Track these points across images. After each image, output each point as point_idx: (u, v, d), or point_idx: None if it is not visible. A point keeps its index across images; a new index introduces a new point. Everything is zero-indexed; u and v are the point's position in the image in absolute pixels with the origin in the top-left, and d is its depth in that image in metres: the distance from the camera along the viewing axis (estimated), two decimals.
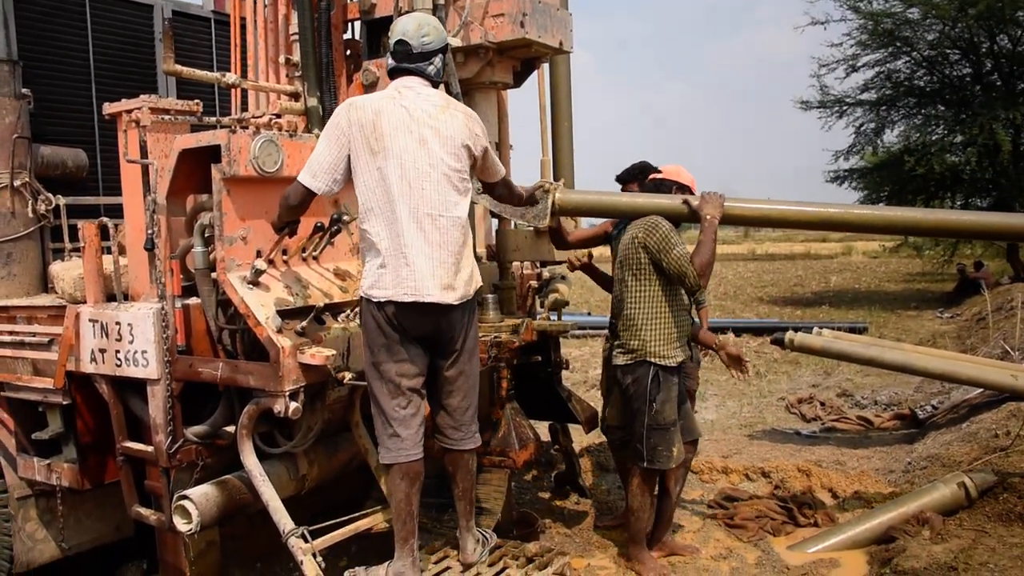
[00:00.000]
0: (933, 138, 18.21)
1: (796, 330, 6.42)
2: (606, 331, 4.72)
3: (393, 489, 3.23)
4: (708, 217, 3.95)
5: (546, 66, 4.87)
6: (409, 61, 3.25)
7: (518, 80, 4.72)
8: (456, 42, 4.12)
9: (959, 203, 19.84)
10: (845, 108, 19.72)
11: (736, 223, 4.27)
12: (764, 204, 4.23)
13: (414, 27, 3.26)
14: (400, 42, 3.25)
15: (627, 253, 4.06)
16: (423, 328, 3.18)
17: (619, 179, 4.73)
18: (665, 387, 4.00)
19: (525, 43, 4.20)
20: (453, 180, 3.20)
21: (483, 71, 4.32)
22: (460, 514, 3.47)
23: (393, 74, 3.32)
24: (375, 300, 3.13)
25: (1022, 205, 17.76)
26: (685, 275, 3.86)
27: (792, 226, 4.42)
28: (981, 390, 6.47)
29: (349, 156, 3.13)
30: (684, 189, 4.25)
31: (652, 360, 3.99)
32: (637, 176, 4.60)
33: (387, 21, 4.39)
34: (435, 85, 3.33)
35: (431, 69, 3.29)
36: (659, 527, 4.39)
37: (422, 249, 3.10)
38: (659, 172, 4.40)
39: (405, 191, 3.09)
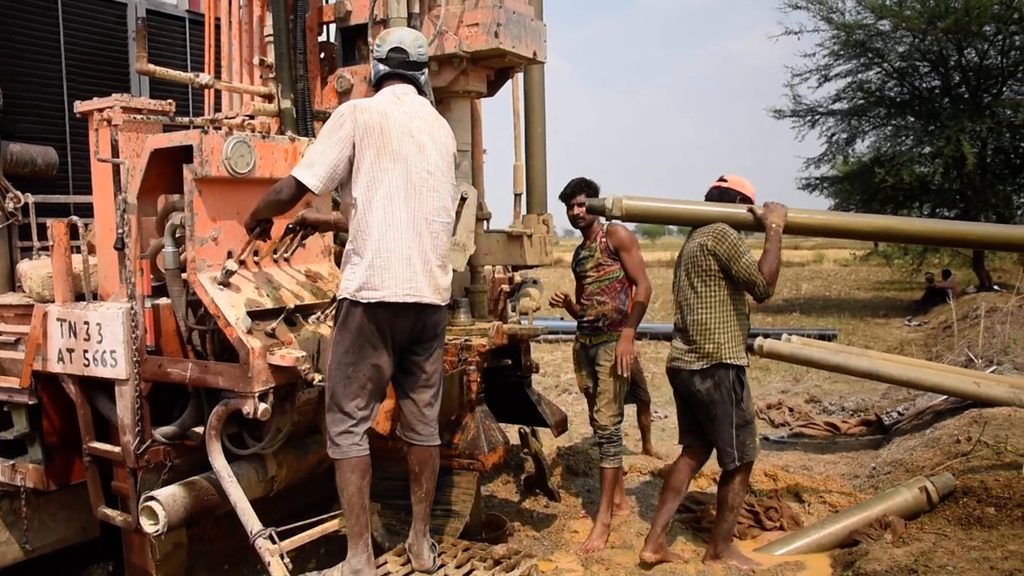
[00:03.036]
0: (902, 149, 18.51)
1: (766, 336, 6.50)
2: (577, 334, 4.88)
3: (344, 483, 3.22)
4: (773, 226, 4.06)
5: (520, 74, 4.90)
6: (406, 68, 3.35)
7: (492, 89, 4.75)
8: (430, 51, 4.15)
9: (926, 213, 20.16)
10: (817, 117, 19.99)
11: (798, 232, 4.46)
12: (825, 215, 4.60)
13: (411, 37, 3.38)
14: (397, 49, 3.33)
15: (694, 260, 4.12)
16: (407, 329, 3.23)
17: (563, 196, 4.90)
18: (746, 385, 4.15)
19: (499, 53, 4.23)
20: (447, 186, 3.34)
21: (457, 80, 4.35)
22: (418, 517, 3.46)
23: (383, 80, 3.38)
24: (365, 301, 3.13)
25: (987, 216, 18.11)
26: (755, 282, 3.97)
27: (851, 236, 4.60)
28: (945, 397, 6.59)
29: (351, 157, 3.16)
30: (746, 199, 4.31)
31: (729, 362, 4.05)
32: (583, 189, 4.83)
33: (362, 28, 4.42)
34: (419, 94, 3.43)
35: (422, 79, 3.42)
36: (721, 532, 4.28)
37: (423, 251, 3.20)
38: (724, 181, 4.41)
39: (411, 194, 3.18)
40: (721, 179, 4.44)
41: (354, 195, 3.18)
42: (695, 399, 4.17)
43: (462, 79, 4.37)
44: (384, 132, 3.15)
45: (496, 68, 4.59)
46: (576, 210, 4.81)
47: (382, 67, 3.37)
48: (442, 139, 3.34)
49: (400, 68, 3.35)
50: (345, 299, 3.19)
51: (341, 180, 3.22)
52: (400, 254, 3.15)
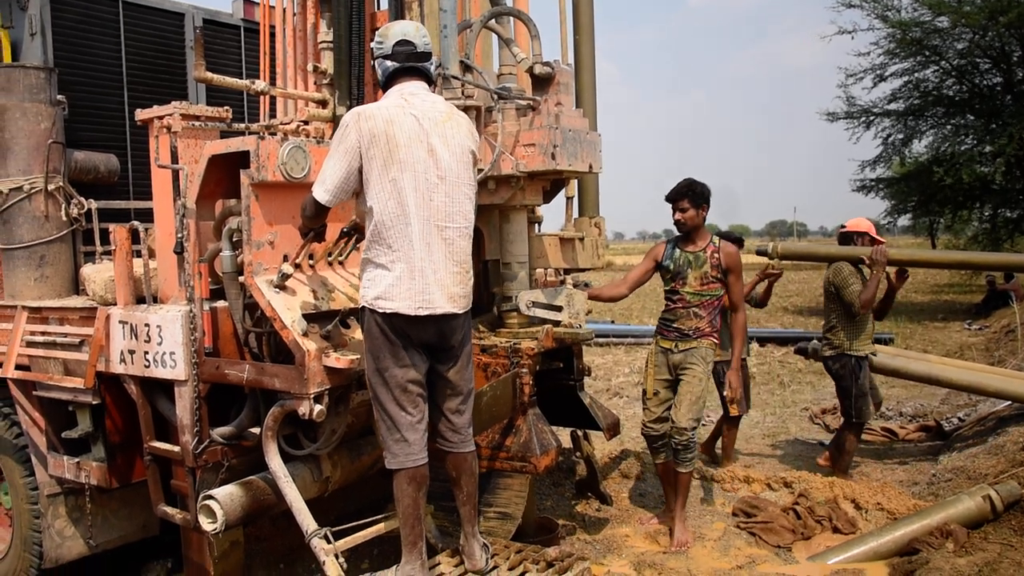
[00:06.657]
0: (962, 148, 18.05)
1: (820, 340, 6.37)
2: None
3: (400, 494, 3.22)
4: (874, 270, 5.56)
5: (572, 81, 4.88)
6: (416, 60, 3.27)
7: (548, 198, 4.80)
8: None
9: (987, 214, 19.62)
10: (872, 118, 19.60)
11: (896, 264, 5.77)
12: (915, 251, 6.65)
13: (413, 28, 3.30)
14: (403, 42, 3.24)
15: (827, 284, 5.84)
16: (427, 336, 3.19)
17: (668, 199, 4.84)
18: (864, 368, 5.78)
19: (556, 172, 4.24)
20: (463, 188, 3.23)
21: (514, 196, 4.36)
22: (465, 519, 3.46)
23: (393, 78, 3.29)
24: (381, 311, 3.12)
25: None
26: (853, 303, 5.62)
27: (934, 266, 5.97)
28: (1009, 403, 6.40)
29: (360, 167, 3.12)
30: (862, 234, 5.89)
31: (850, 353, 5.75)
32: (686, 194, 4.79)
33: None
34: (431, 87, 3.36)
35: (433, 70, 3.35)
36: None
37: (433, 260, 3.12)
38: (844, 227, 6.05)
39: (419, 202, 3.09)
40: (842, 226, 6.13)
41: (368, 204, 3.14)
42: (833, 376, 5.93)
43: (519, 195, 4.38)
44: (390, 140, 3.07)
45: (552, 179, 4.61)
46: (678, 215, 4.81)
47: (389, 64, 3.26)
48: (456, 139, 3.21)
49: (410, 60, 3.25)
50: (365, 307, 3.19)
51: (355, 190, 3.19)
52: (412, 266, 3.09)
